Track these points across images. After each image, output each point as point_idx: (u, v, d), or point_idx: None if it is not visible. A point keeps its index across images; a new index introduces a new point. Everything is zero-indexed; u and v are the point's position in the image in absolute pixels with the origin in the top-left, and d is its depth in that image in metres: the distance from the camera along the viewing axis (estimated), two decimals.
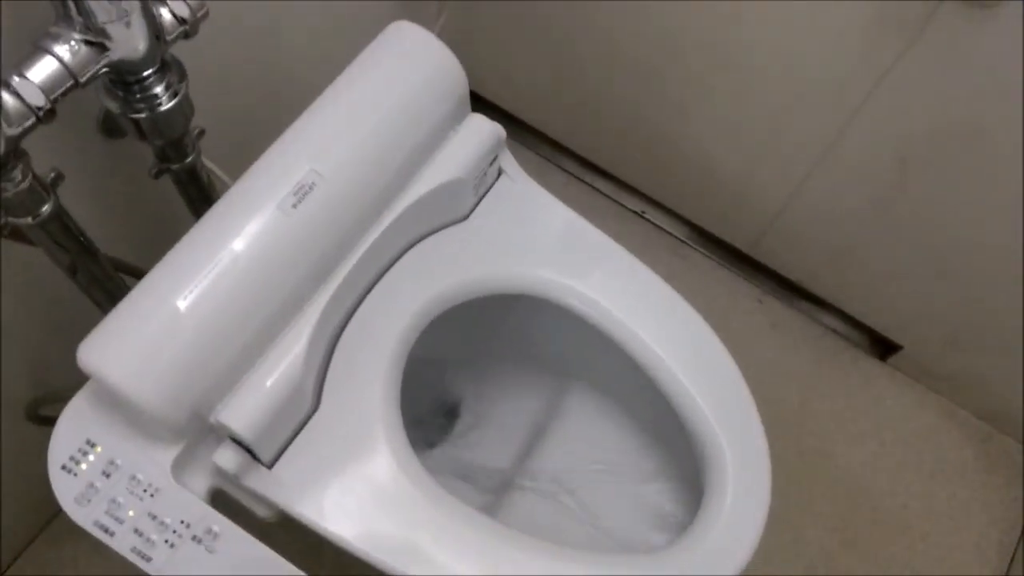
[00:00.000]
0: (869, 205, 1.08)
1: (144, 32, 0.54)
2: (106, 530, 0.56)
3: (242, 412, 0.58)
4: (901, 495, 1.21)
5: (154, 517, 0.57)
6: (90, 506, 0.56)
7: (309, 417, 0.64)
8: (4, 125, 0.48)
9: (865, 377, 1.30)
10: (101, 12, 0.50)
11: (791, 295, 1.34)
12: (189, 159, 0.69)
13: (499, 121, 0.74)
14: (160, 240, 0.59)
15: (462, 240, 0.75)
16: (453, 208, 0.74)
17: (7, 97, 0.48)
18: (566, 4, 1.12)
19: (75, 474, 0.57)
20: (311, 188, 0.61)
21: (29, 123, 0.49)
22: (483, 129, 0.73)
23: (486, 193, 0.77)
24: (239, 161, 0.64)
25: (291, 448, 0.63)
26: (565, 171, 1.41)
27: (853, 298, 1.26)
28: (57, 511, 0.94)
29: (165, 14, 0.56)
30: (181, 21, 0.57)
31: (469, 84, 0.72)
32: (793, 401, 1.26)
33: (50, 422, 0.58)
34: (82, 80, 0.51)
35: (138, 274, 0.59)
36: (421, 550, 0.61)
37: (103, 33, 0.51)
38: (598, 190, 1.40)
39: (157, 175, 0.70)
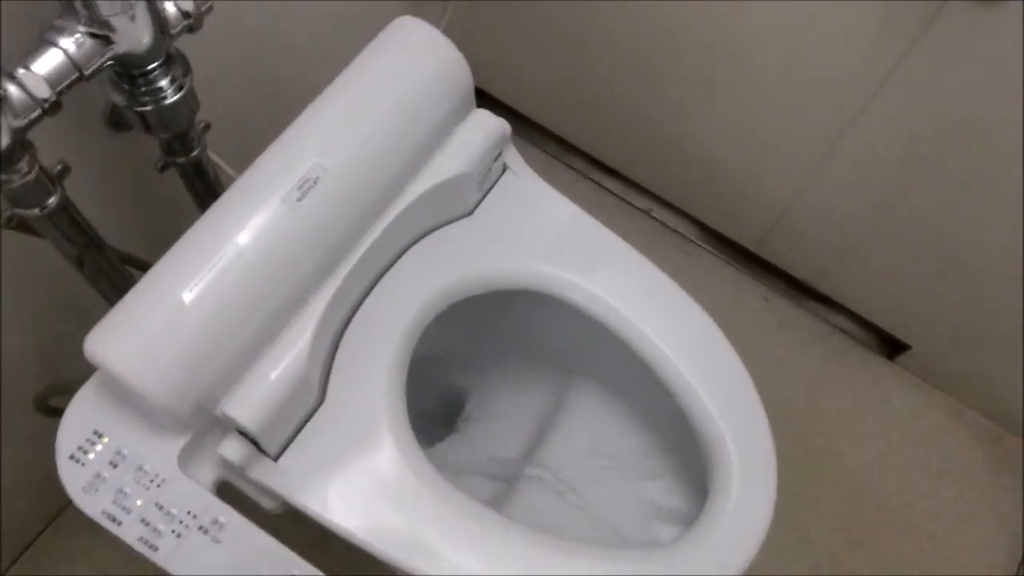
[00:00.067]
0: (874, 203, 1.08)
1: (148, 26, 0.54)
2: (113, 519, 0.56)
3: (247, 405, 0.58)
4: (908, 495, 1.21)
5: (161, 507, 0.57)
6: (97, 495, 0.57)
7: (314, 410, 0.64)
8: (10, 117, 0.48)
9: (872, 376, 1.29)
10: (106, 5, 0.50)
11: (798, 294, 1.33)
12: (195, 153, 0.69)
13: (506, 118, 0.74)
14: (166, 233, 0.60)
15: (467, 235, 0.75)
16: (458, 203, 0.74)
17: (13, 89, 0.49)
18: (571, 3, 1.12)
19: (83, 464, 0.57)
20: (315, 182, 0.61)
21: (35, 115, 0.50)
22: (488, 124, 0.73)
23: (491, 189, 0.77)
24: (244, 155, 0.64)
25: (296, 441, 0.63)
26: (572, 169, 1.41)
27: (860, 297, 1.26)
28: (67, 502, 0.94)
29: (169, 8, 0.57)
30: (185, 15, 0.57)
31: (476, 81, 0.72)
32: (800, 400, 1.26)
33: (59, 413, 0.59)
34: (87, 73, 0.51)
35: (144, 267, 0.60)
36: (425, 543, 0.62)
37: (108, 26, 0.51)
38: (605, 188, 1.40)
39: (163, 168, 0.70)
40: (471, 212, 0.76)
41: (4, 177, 0.52)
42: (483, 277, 0.74)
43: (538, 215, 0.77)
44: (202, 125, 0.70)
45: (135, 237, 0.78)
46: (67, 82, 0.51)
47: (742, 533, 0.68)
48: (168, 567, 0.56)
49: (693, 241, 1.37)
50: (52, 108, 0.51)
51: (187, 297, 0.56)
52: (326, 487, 0.62)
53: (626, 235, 0.77)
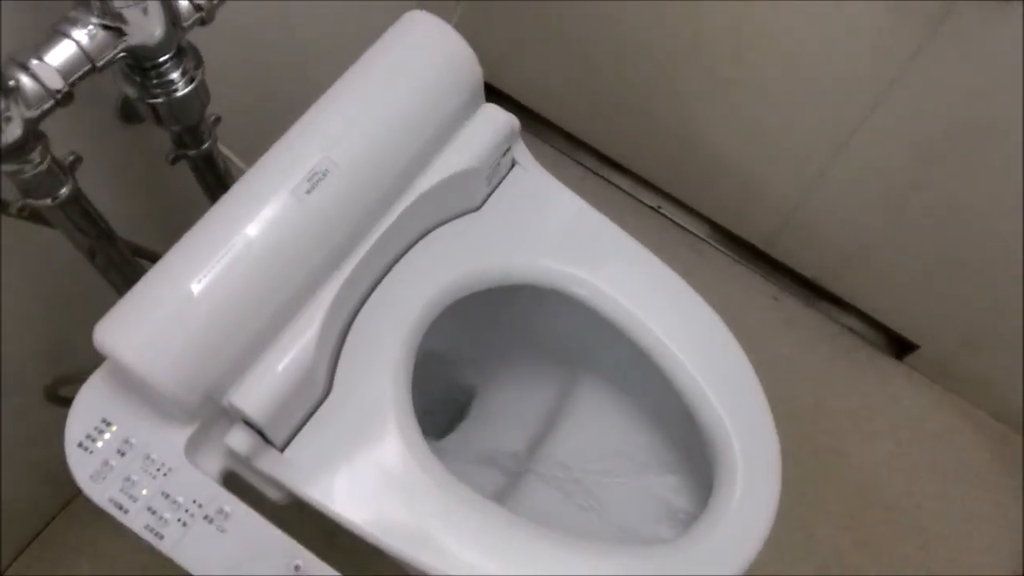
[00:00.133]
0: (885, 202, 1.07)
1: (161, 18, 0.54)
2: (120, 507, 0.57)
3: (254, 395, 0.59)
4: (916, 495, 1.20)
5: (167, 496, 0.57)
6: (105, 483, 0.57)
7: (321, 402, 0.65)
8: (23, 107, 0.49)
9: (881, 376, 1.29)
10: None
11: (807, 292, 1.33)
12: (205, 145, 0.70)
13: (516, 114, 0.74)
14: (176, 225, 0.60)
15: (474, 230, 0.75)
16: (466, 198, 0.75)
17: (25, 79, 0.49)
18: (582, 0, 1.12)
19: (91, 452, 0.58)
20: (324, 175, 0.62)
21: (47, 106, 0.50)
22: (497, 119, 0.73)
23: (499, 183, 0.77)
24: (255, 148, 0.64)
25: (303, 432, 0.64)
26: (582, 165, 1.41)
27: (869, 296, 1.25)
28: (77, 492, 0.95)
29: (182, 1, 0.57)
30: (197, 8, 0.58)
31: (486, 77, 0.72)
32: (808, 399, 1.26)
33: (69, 403, 0.59)
34: (99, 64, 0.52)
35: (155, 259, 0.60)
36: (429, 536, 0.62)
37: (120, 18, 0.52)
38: (615, 185, 1.40)
39: (174, 161, 0.71)
40: (479, 207, 0.76)
41: (16, 167, 0.52)
42: (490, 272, 0.74)
43: (546, 210, 0.77)
44: (213, 118, 0.71)
45: (146, 229, 0.79)
46: (80, 73, 0.51)
47: (745, 531, 0.67)
48: (174, 555, 0.56)
49: (702, 239, 1.37)
50: (64, 99, 0.51)
51: (196, 288, 0.56)
52: (331, 478, 0.62)
53: (635, 232, 0.77)
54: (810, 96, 1.01)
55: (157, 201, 0.84)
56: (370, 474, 0.63)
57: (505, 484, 0.89)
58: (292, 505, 0.65)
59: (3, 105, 0.47)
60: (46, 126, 0.53)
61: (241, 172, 0.63)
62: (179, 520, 0.57)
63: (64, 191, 0.58)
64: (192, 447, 0.60)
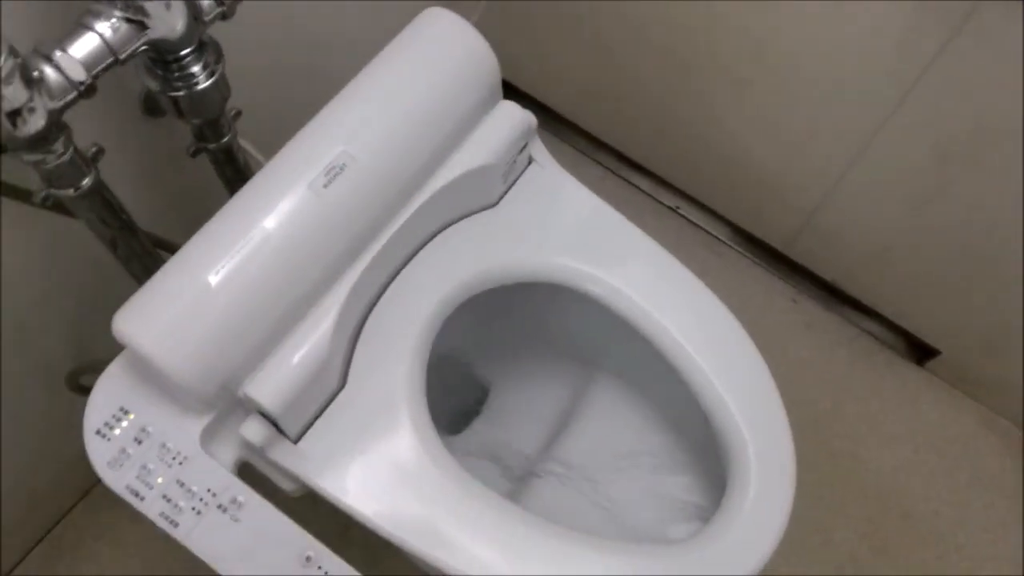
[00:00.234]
0: (907, 205, 1.06)
1: (183, 12, 0.55)
2: (136, 494, 0.58)
3: (269, 386, 0.59)
4: (934, 502, 1.19)
5: (182, 484, 0.58)
6: (122, 470, 0.58)
7: (335, 395, 0.65)
8: (46, 98, 0.50)
9: (900, 381, 1.27)
10: None
11: (826, 295, 1.32)
12: (226, 139, 0.71)
13: (536, 113, 0.75)
14: (196, 218, 0.61)
15: (490, 227, 0.75)
16: (482, 194, 0.75)
17: (49, 71, 0.50)
18: (603, 1, 1.12)
19: (109, 439, 0.59)
20: (342, 169, 0.62)
21: (70, 97, 0.51)
22: (514, 116, 0.73)
23: (516, 180, 0.77)
24: (274, 142, 0.65)
25: (317, 424, 0.64)
26: (601, 165, 1.41)
27: (890, 300, 1.24)
28: (97, 480, 0.97)
29: None
30: (219, 2, 0.58)
31: (506, 76, 0.72)
32: (826, 403, 1.25)
33: (90, 391, 0.60)
34: (122, 57, 0.53)
35: (175, 251, 0.61)
36: (442, 531, 0.62)
37: (143, 12, 0.53)
38: (633, 185, 1.39)
39: (195, 154, 0.71)
40: (495, 203, 0.76)
41: (40, 157, 0.53)
42: (506, 268, 0.74)
43: (563, 208, 0.77)
44: (233, 112, 0.72)
45: (166, 221, 0.80)
46: (102, 66, 0.52)
47: (759, 533, 0.67)
48: (187, 543, 0.57)
49: (721, 240, 1.36)
50: (87, 91, 0.52)
51: (213, 279, 0.57)
52: (344, 471, 0.63)
53: (654, 232, 0.77)
54: (832, 96, 1.00)
55: (177, 194, 0.85)
56: (383, 468, 0.63)
57: (518, 481, 0.89)
58: (306, 498, 0.66)
59: (28, 96, 0.48)
60: (71, 118, 0.54)
61: (260, 165, 0.64)
62: (193, 508, 0.58)
63: (86, 182, 0.59)
64: (207, 437, 0.60)
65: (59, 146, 0.54)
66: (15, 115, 0.48)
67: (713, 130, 1.18)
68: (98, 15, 0.52)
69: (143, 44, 0.54)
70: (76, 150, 0.56)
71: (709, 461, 0.79)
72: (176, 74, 0.60)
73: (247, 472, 0.63)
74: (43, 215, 0.63)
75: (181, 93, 0.61)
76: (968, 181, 0.97)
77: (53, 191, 0.58)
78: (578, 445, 0.90)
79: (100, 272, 0.79)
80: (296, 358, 0.61)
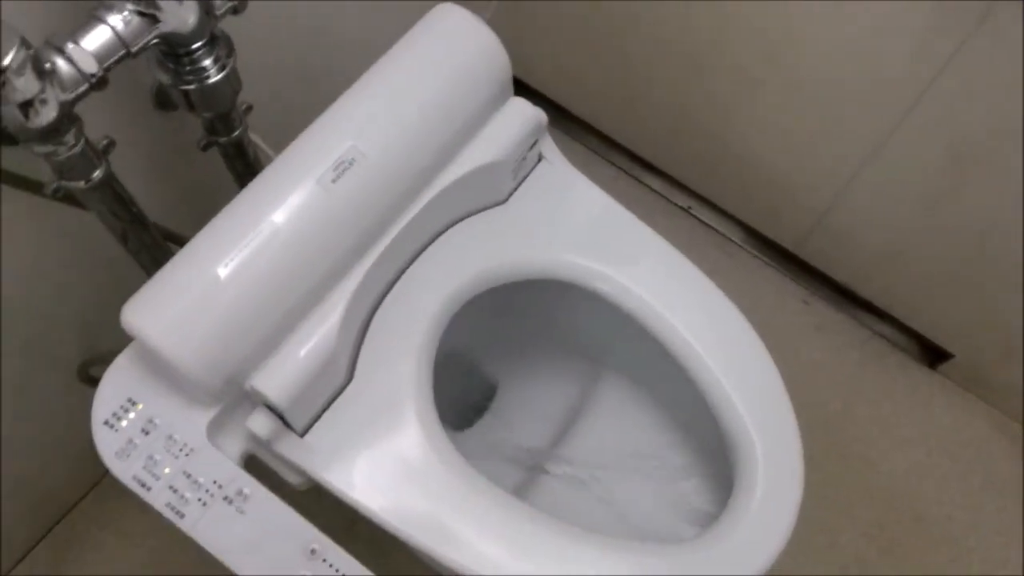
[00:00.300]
0: (921, 206, 1.05)
1: (194, 6, 0.56)
2: (143, 485, 0.58)
3: (276, 379, 0.59)
4: (946, 505, 1.18)
5: (188, 475, 0.58)
6: (129, 461, 0.58)
7: (342, 389, 0.65)
8: (58, 89, 0.50)
9: (913, 384, 1.26)
10: None
11: (838, 297, 1.31)
12: (236, 133, 0.71)
13: (549, 112, 0.74)
14: (206, 211, 0.61)
15: (499, 223, 0.75)
16: (491, 191, 0.75)
17: (61, 63, 0.50)
18: (616, 1, 1.11)
19: (116, 430, 0.59)
20: (351, 164, 0.62)
21: (82, 89, 0.52)
22: (524, 113, 0.73)
23: (526, 177, 0.77)
24: (284, 137, 0.65)
25: (323, 418, 0.64)
26: (613, 165, 1.40)
27: (902, 302, 1.23)
28: (105, 471, 0.98)
29: None
30: None
31: (519, 74, 0.72)
32: (836, 405, 1.24)
33: (99, 383, 0.61)
34: (134, 50, 0.53)
35: (185, 244, 0.61)
36: (448, 526, 0.62)
37: (155, 5, 0.53)
38: (645, 184, 1.39)
39: (205, 148, 0.72)
40: (505, 200, 0.76)
41: (51, 148, 0.54)
42: (514, 265, 0.74)
43: (572, 205, 0.77)
44: (244, 106, 0.72)
45: (176, 214, 0.80)
46: (114, 58, 0.53)
47: (765, 533, 0.67)
48: (193, 534, 0.57)
49: (733, 240, 1.36)
50: (99, 83, 0.52)
51: (222, 272, 0.57)
52: (350, 465, 0.63)
53: (665, 232, 0.77)
54: (845, 97, 1.00)
55: (188, 187, 0.86)
56: (389, 463, 0.63)
57: (524, 479, 0.89)
58: (312, 491, 0.66)
59: (40, 87, 0.48)
60: (83, 111, 0.54)
61: (270, 160, 0.64)
62: (199, 500, 0.58)
63: (97, 174, 0.59)
64: (214, 429, 0.61)
65: (70, 138, 0.54)
66: (27, 106, 0.49)
67: (726, 130, 1.18)
68: (110, 8, 0.52)
69: (155, 37, 0.54)
70: (87, 142, 0.57)
71: (717, 461, 0.78)
72: (187, 68, 0.60)
73: (253, 465, 0.63)
74: (54, 207, 0.64)
75: (192, 87, 0.61)
76: (982, 182, 0.96)
77: (64, 183, 0.59)
78: (585, 443, 0.90)
79: (110, 264, 0.80)
80: (303, 352, 0.61)
